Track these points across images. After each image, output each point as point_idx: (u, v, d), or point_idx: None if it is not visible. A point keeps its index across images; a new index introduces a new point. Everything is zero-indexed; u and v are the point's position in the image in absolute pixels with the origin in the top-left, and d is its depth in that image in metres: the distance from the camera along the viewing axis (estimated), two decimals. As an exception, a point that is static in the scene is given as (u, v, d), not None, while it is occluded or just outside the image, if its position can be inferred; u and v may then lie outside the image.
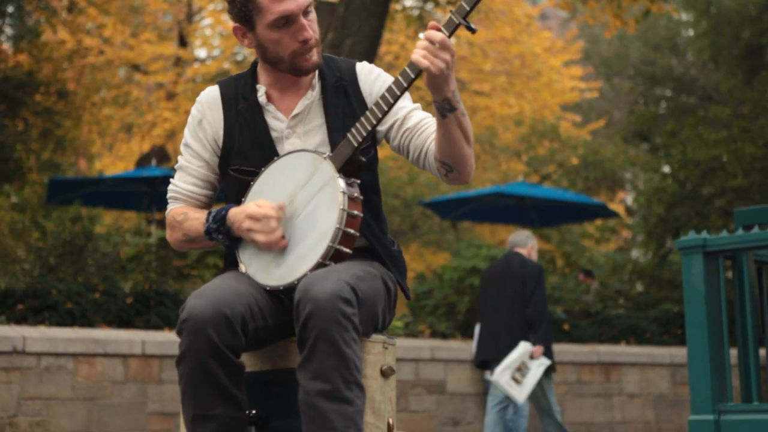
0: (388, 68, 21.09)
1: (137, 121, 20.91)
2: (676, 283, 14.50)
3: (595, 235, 19.71)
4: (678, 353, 12.15)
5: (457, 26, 2.95)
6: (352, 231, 3.07)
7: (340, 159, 3.11)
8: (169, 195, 3.36)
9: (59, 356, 8.66)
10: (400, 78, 3.03)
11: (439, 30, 2.96)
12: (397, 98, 3.05)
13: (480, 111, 22.15)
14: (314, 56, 3.19)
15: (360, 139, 3.09)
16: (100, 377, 8.84)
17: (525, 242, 9.56)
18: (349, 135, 3.11)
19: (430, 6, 14.75)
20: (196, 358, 2.96)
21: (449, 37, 2.96)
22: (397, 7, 14.93)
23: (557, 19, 34.38)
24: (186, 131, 3.33)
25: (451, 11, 2.98)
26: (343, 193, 3.06)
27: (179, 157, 3.35)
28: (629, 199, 26.21)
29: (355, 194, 3.10)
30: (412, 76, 3.01)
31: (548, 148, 21.84)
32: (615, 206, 21.88)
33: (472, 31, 2.96)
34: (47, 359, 8.60)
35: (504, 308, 9.21)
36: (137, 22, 21.28)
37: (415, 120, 3.23)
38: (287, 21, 3.13)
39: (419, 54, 2.95)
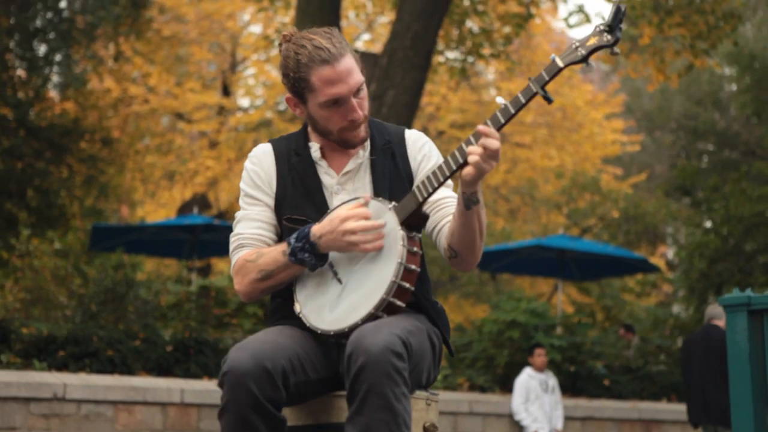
0: (429, 119, 21.21)
1: (180, 169, 21.11)
2: (719, 339, 14.34)
3: (636, 290, 19.58)
4: (720, 411, 11.99)
5: (534, 94, 2.99)
6: (407, 285, 3.07)
7: (404, 212, 3.14)
8: (233, 247, 3.33)
9: (99, 404, 8.69)
10: (456, 153, 3.08)
11: (493, 136, 3.01)
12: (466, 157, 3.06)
13: (521, 163, 22.16)
14: (362, 132, 3.27)
15: (426, 195, 3.12)
16: (139, 425, 8.85)
17: (723, 315, 9.73)
18: (415, 189, 3.14)
19: (471, 58, 14.82)
20: (237, 411, 2.96)
21: (525, 104, 3.00)
22: (440, 59, 15.02)
23: (599, 72, 34.40)
24: (242, 185, 3.36)
25: (530, 79, 2.99)
26: (403, 246, 3.07)
27: (237, 213, 3.37)
28: (670, 253, 26.04)
29: (415, 248, 3.11)
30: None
31: (589, 201, 21.78)
32: (656, 260, 21.75)
33: (549, 101, 2.99)
34: (87, 406, 8.62)
35: (709, 380, 9.53)
36: (182, 72, 21.54)
37: (438, 195, 3.29)
38: (337, 102, 3.20)
39: (474, 158, 3.00)
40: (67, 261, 12.57)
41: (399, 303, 3.07)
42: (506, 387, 11.72)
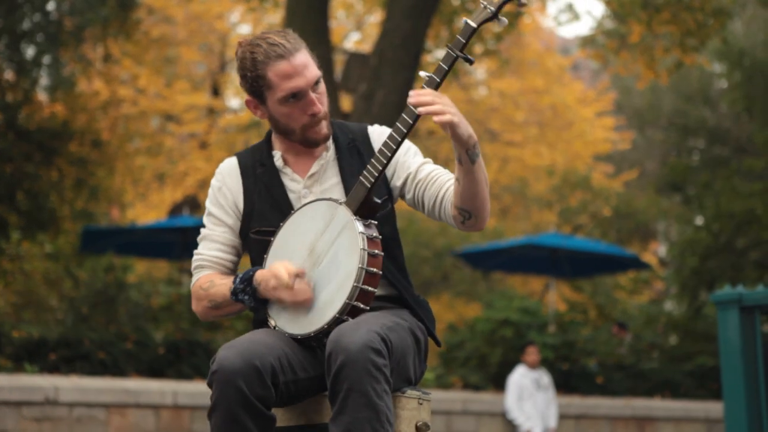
0: (420, 119, 21.16)
1: (170, 171, 21.06)
2: (711, 335, 14.36)
3: (628, 287, 19.57)
4: (713, 408, 11.99)
5: (455, 59, 3.09)
6: (374, 270, 3.10)
7: (354, 202, 3.18)
8: (194, 266, 3.40)
9: (91, 406, 8.66)
10: (404, 116, 3.13)
11: (421, 94, 3.06)
12: (404, 135, 3.13)
13: (512, 161, 22.15)
14: (323, 129, 3.30)
15: (372, 180, 3.16)
16: (131, 428, 8.83)
17: None
18: (361, 178, 3.18)
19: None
20: (226, 408, 2.97)
21: (449, 70, 3.10)
22: (429, 58, 15.00)
23: (589, 70, 34.44)
24: (207, 203, 3.41)
25: (447, 45, 3.09)
26: (362, 233, 3.11)
27: (202, 229, 3.41)
28: (662, 250, 26.06)
29: (374, 234, 3.15)
30: (417, 111, 3.09)
31: (580, 199, 21.77)
32: (648, 257, 21.75)
33: (470, 62, 3.09)
34: (79, 409, 8.59)
35: None
36: (171, 73, 21.48)
37: (426, 171, 3.31)
38: (296, 96, 3.23)
39: (434, 109, 3.03)
40: (57, 264, 12.54)
41: (371, 289, 3.10)
42: (499, 385, 11.72)
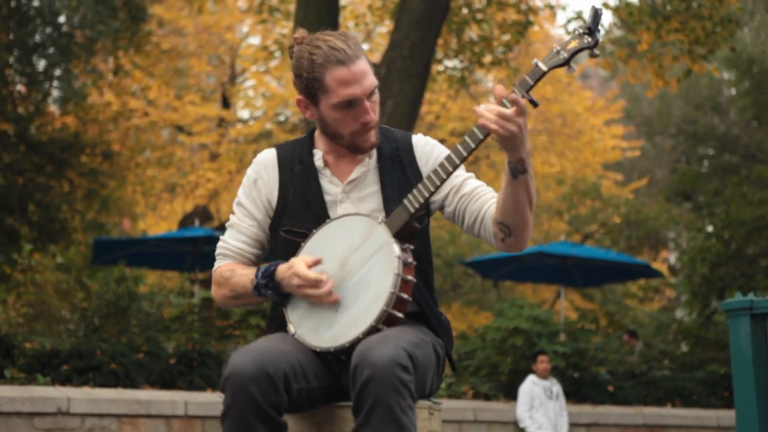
0: (429, 128, 21.22)
1: (181, 182, 21.12)
2: (722, 343, 14.34)
3: (639, 295, 19.56)
4: (725, 416, 11.97)
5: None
6: (405, 296, 3.07)
7: (395, 225, 3.13)
8: (217, 252, 3.39)
9: (103, 417, 8.68)
10: (459, 147, 3.07)
11: (511, 99, 3.00)
12: (456, 166, 3.09)
13: (521, 170, 22.14)
14: (372, 137, 3.24)
15: (417, 206, 3.11)
16: (143, 438, 8.85)
17: None
18: (405, 201, 3.14)
19: (471, 67, 14.83)
20: (238, 414, 2.96)
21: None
22: (439, 68, 15.04)
23: (598, 78, 34.45)
24: (240, 191, 3.36)
25: (514, 84, 3.02)
26: (398, 257, 3.06)
27: (231, 216, 3.38)
28: (672, 258, 26.04)
29: (409, 260, 3.11)
30: (472, 146, 3.06)
31: (590, 207, 21.78)
32: (658, 265, 21.74)
33: (535, 104, 3.01)
34: (91, 420, 8.62)
35: None
36: (181, 84, 21.56)
37: (471, 186, 3.26)
38: (351, 104, 3.17)
39: (491, 118, 2.99)
40: (69, 275, 12.60)
41: (398, 314, 3.07)
42: (510, 394, 11.71)
